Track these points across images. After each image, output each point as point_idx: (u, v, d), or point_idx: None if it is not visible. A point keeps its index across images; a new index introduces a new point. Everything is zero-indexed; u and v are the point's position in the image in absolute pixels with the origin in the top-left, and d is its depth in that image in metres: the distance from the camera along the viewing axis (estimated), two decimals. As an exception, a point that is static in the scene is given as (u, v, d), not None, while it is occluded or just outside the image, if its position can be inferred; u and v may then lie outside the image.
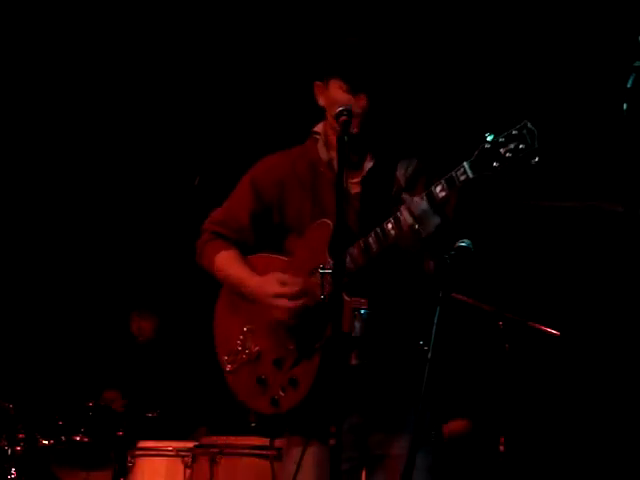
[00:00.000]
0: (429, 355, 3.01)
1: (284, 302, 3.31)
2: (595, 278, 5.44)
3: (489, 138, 3.01)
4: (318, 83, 3.43)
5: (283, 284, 3.32)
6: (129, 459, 5.33)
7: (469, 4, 5.70)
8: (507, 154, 2.98)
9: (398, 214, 3.15)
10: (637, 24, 4.07)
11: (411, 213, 3.10)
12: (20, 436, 5.56)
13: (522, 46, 5.53)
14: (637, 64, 3.11)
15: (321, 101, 3.41)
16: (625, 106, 3.07)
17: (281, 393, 3.32)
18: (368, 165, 3.43)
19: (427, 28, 5.76)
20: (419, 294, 3.35)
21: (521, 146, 2.96)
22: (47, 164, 6.75)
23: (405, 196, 3.15)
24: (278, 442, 4.56)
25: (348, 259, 3.17)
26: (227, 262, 3.49)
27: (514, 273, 5.65)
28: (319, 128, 3.51)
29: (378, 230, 3.21)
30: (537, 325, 4.85)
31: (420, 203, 3.09)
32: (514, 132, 2.98)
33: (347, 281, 3.13)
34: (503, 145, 2.99)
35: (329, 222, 3.27)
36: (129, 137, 6.72)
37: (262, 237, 3.51)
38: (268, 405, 3.35)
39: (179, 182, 6.41)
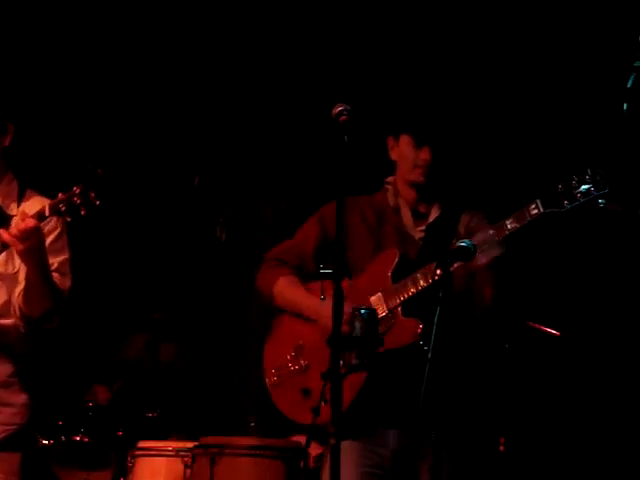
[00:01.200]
0: (429, 355, 3.03)
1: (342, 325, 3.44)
2: (595, 278, 5.44)
3: (563, 182, 3.28)
4: (390, 138, 3.69)
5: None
6: (129, 459, 5.33)
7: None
8: (578, 195, 3.26)
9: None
10: (637, 24, 4.07)
11: (477, 238, 3.33)
12: (20, 436, 5.56)
13: (523, 46, 5.53)
14: (637, 64, 3.11)
15: (393, 155, 3.68)
16: (625, 106, 3.08)
17: (323, 403, 3.41)
18: (433, 216, 3.65)
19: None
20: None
21: (593, 189, 3.24)
22: (47, 164, 6.75)
23: (472, 224, 3.46)
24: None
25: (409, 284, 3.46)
26: (288, 285, 3.71)
27: (514, 273, 5.64)
28: (390, 179, 3.74)
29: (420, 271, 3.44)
30: (537, 325, 4.85)
31: (486, 230, 3.36)
32: (587, 177, 3.25)
33: (405, 301, 3.43)
34: (575, 187, 3.26)
35: (396, 251, 3.52)
36: (129, 137, 6.72)
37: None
38: (309, 414, 3.46)
39: (179, 182, 6.41)
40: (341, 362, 3.41)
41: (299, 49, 6.13)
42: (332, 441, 2.80)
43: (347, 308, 3.36)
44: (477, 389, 3.53)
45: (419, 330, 3.40)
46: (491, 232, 3.35)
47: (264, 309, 6.44)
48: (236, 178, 6.32)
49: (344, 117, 3.17)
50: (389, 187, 3.73)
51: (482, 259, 3.31)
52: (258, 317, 6.38)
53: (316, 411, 3.42)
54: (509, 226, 3.34)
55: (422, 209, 3.66)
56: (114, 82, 6.51)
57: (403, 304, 3.46)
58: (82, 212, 3.58)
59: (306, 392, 3.54)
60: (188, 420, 6.17)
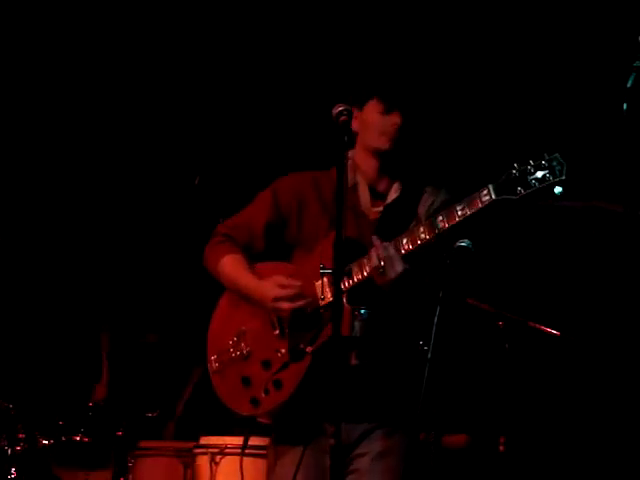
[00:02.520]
0: (429, 355, 3.02)
1: (283, 304, 3.35)
2: (595, 278, 5.44)
3: (518, 166, 3.11)
4: (353, 108, 3.41)
5: (282, 287, 3.37)
6: (129, 459, 5.33)
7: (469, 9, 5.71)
8: (533, 181, 3.08)
9: (370, 252, 3.22)
10: (637, 24, 4.07)
11: (378, 256, 3.18)
12: (20, 436, 5.56)
13: (523, 46, 5.53)
14: (637, 64, 3.11)
15: (355, 126, 3.43)
16: (625, 106, 3.07)
17: (263, 395, 3.36)
18: (392, 195, 3.48)
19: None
20: (418, 303, 3.36)
21: (548, 176, 3.07)
22: (46, 165, 6.75)
23: (374, 238, 3.23)
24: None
25: (355, 269, 3.29)
26: (232, 265, 3.53)
27: (514, 273, 5.65)
28: (350, 154, 3.53)
29: (363, 260, 3.28)
30: (537, 325, 4.85)
31: (388, 248, 3.19)
32: (544, 162, 3.08)
33: (348, 290, 3.27)
34: (530, 173, 3.09)
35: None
36: (129, 138, 6.71)
37: (272, 249, 3.58)
38: (247, 405, 3.39)
39: (179, 182, 6.41)
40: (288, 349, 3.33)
41: (299, 49, 6.13)
42: (332, 441, 2.79)
43: (291, 282, 3.32)
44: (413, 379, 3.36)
45: (357, 322, 3.29)
46: (392, 247, 3.18)
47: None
48: (236, 178, 6.31)
49: (344, 117, 3.16)
50: (348, 162, 3.46)
51: (388, 275, 3.17)
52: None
53: (255, 402, 3.36)
54: (459, 212, 3.15)
55: (381, 187, 3.49)
56: (114, 82, 6.50)
57: (349, 291, 3.30)
58: None
59: (246, 381, 3.40)
60: (188, 420, 6.17)
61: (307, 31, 6.07)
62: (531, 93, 5.53)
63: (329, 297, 3.31)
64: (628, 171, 3.49)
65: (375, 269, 3.19)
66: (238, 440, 4.85)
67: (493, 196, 3.11)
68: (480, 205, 3.13)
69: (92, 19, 6.27)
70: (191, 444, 5.09)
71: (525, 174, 3.09)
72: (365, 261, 3.27)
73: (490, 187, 3.12)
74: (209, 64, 6.41)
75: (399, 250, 3.20)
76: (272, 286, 3.38)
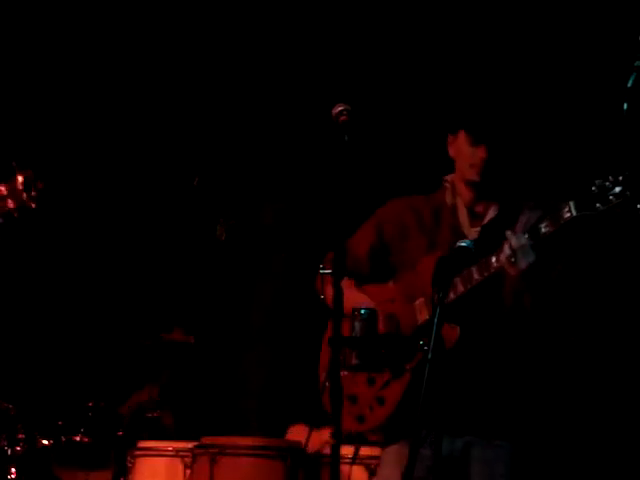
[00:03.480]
0: (429, 355, 3.02)
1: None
2: (595, 278, 5.43)
3: (597, 182, 3.16)
4: (450, 135, 3.60)
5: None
6: (129, 459, 5.33)
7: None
8: (611, 197, 3.13)
9: (501, 246, 3.29)
10: (637, 24, 4.07)
11: (510, 246, 3.24)
12: (20, 436, 5.56)
13: (523, 46, 5.53)
14: (637, 64, 3.11)
15: (451, 152, 3.59)
16: (625, 106, 3.07)
17: (368, 411, 3.47)
18: (490, 215, 3.56)
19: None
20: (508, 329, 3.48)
21: (627, 192, 3.12)
22: (47, 165, 6.74)
23: (508, 232, 3.29)
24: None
25: (458, 282, 3.37)
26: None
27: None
28: (449, 177, 3.66)
29: (483, 260, 3.34)
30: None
31: (520, 237, 3.25)
32: (621, 178, 3.13)
33: (445, 308, 3.30)
34: (609, 189, 3.14)
35: (439, 254, 3.43)
36: (129, 138, 6.71)
37: (377, 272, 3.70)
38: (354, 422, 3.49)
39: (179, 182, 6.41)
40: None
41: (299, 49, 6.13)
42: (332, 441, 2.80)
43: (395, 310, 3.44)
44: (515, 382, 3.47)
45: (456, 336, 3.35)
46: (525, 237, 3.25)
47: (266, 308, 6.47)
48: (236, 178, 6.32)
49: (344, 117, 3.16)
50: (448, 185, 3.65)
51: (519, 266, 3.23)
52: (260, 316, 6.40)
53: (361, 419, 3.46)
54: (543, 230, 3.24)
55: (479, 209, 3.57)
56: (114, 83, 6.51)
57: (449, 306, 3.32)
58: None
59: (352, 399, 3.50)
60: (188, 420, 6.17)
61: (307, 31, 6.07)
62: (531, 93, 5.53)
63: (425, 316, 3.43)
64: (628, 171, 3.49)
65: (508, 258, 3.23)
66: (238, 440, 4.85)
67: (574, 212, 3.17)
68: (562, 222, 3.20)
69: (92, 19, 6.27)
70: (191, 444, 5.08)
71: (604, 190, 3.14)
72: (493, 258, 3.31)
73: (571, 204, 3.18)
74: (209, 64, 6.41)
75: (536, 233, 3.26)
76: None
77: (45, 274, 6.81)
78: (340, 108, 3.17)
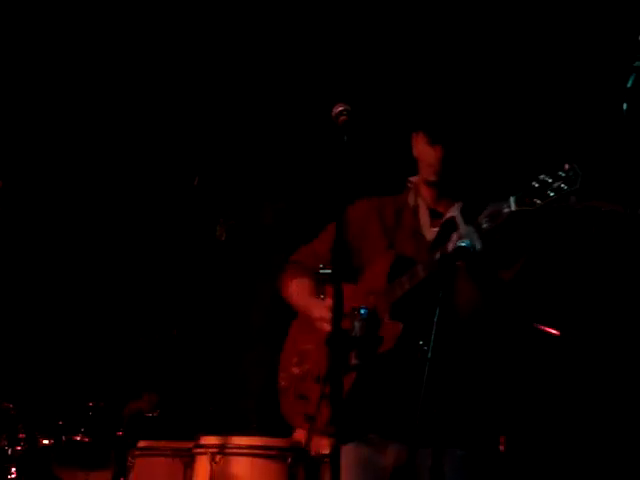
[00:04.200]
0: (429, 355, 3.02)
1: (324, 325, 3.48)
2: (595, 278, 5.43)
3: (540, 177, 3.17)
4: (414, 134, 3.62)
5: (329, 309, 3.42)
6: (129, 459, 5.33)
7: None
8: (550, 192, 3.15)
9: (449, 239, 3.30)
10: (637, 24, 4.07)
11: (458, 235, 3.26)
12: (20, 436, 5.57)
13: (523, 46, 5.53)
14: (637, 64, 3.11)
15: (414, 153, 3.62)
16: (625, 106, 3.07)
17: (316, 410, 3.46)
18: (450, 214, 3.54)
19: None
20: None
21: (564, 187, 3.14)
22: (47, 165, 6.75)
23: (457, 218, 3.34)
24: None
25: (397, 285, 3.41)
26: (297, 288, 3.74)
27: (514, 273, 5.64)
28: (414, 178, 3.68)
29: (428, 256, 3.37)
30: (537, 325, 4.85)
31: (467, 227, 3.27)
32: (561, 173, 3.15)
33: (391, 306, 3.39)
34: (549, 185, 3.16)
35: (393, 252, 3.49)
36: (129, 138, 6.72)
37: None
38: (304, 420, 3.54)
39: (179, 182, 6.41)
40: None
41: (299, 49, 6.13)
42: (332, 442, 2.80)
43: (346, 309, 3.37)
44: (476, 390, 3.47)
45: (398, 333, 3.36)
46: (472, 227, 3.27)
47: (266, 308, 6.46)
48: (236, 178, 6.32)
49: (344, 117, 3.16)
50: (411, 186, 3.68)
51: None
52: (260, 316, 6.40)
53: (310, 419, 3.48)
54: (484, 225, 3.25)
55: (441, 209, 3.59)
56: (114, 83, 6.50)
57: (393, 306, 3.41)
58: None
59: (303, 398, 3.57)
60: (188, 420, 6.17)
61: (307, 31, 6.07)
62: (531, 93, 5.53)
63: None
64: (628, 171, 3.49)
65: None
66: (238, 440, 4.85)
67: (512, 208, 3.20)
68: (502, 218, 3.22)
69: (92, 19, 6.26)
70: (191, 444, 5.08)
71: (545, 185, 3.16)
72: (441, 250, 3.33)
73: (511, 200, 3.21)
74: (209, 64, 6.40)
75: (479, 229, 3.27)
76: (320, 307, 3.54)
77: (45, 274, 6.81)
78: (340, 108, 3.17)
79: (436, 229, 3.56)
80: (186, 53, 6.39)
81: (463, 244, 3.17)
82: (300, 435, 4.94)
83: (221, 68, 6.40)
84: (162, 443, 5.21)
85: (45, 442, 5.70)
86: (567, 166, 3.13)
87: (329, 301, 3.48)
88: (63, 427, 5.76)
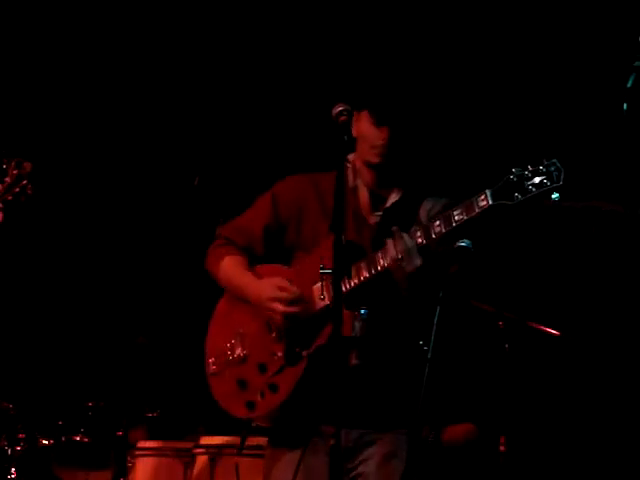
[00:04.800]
0: (429, 355, 3.02)
1: (278, 306, 3.34)
2: (595, 278, 5.44)
3: (515, 171, 3.10)
4: (355, 113, 3.44)
5: (280, 289, 3.35)
6: (129, 459, 5.33)
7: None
8: (530, 187, 3.07)
9: (386, 245, 3.20)
10: (637, 24, 4.07)
11: (396, 248, 3.16)
12: (20, 436, 5.57)
13: (523, 46, 5.53)
14: (637, 64, 3.11)
15: (354, 132, 3.43)
16: (625, 106, 3.07)
17: (259, 398, 3.36)
18: (392, 199, 3.47)
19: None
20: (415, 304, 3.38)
21: (546, 182, 3.06)
22: (47, 165, 6.74)
23: (394, 228, 3.20)
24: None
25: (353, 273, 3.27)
26: (231, 266, 3.53)
27: (514, 273, 5.65)
28: (351, 157, 3.54)
29: (371, 256, 3.27)
30: (537, 325, 4.85)
31: (407, 240, 3.17)
32: (542, 168, 3.07)
33: (348, 293, 3.25)
34: (528, 178, 3.08)
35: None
36: (129, 138, 6.72)
37: (271, 252, 3.56)
38: (243, 408, 3.39)
39: (179, 182, 6.41)
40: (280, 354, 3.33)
41: (299, 49, 6.13)
42: (332, 441, 2.79)
43: (291, 287, 3.31)
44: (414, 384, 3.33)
45: (357, 322, 3.28)
46: (411, 240, 3.16)
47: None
48: (236, 178, 6.31)
49: (344, 117, 3.16)
50: (349, 165, 3.52)
51: (407, 269, 3.15)
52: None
53: (251, 406, 3.35)
54: (456, 217, 3.13)
55: (382, 192, 3.47)
56: (114, 83, 6.51)
57: (347, 295, 3.25)
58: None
59: (242, 384, 3.40)
60: (188, 420, 6.17)
61: (307, 31, 6.07)
62: (531, 93, 5.53)
63: (328, 299, 3.29)
64: (628, 171, 3.49)
65: (395, 261, 3.17)
66: (238, 440, 4.85)
67: (490, 201, 3.09)
68: (477, 210, 3.12)
69: (92, 19, 6.27)
70: (191, 444, 5.08)
71: (523, 179, 3.08)
72: (379, 255, 3.24)
73: (487, 192, 3.11)
74: (209, 64, 6.40)
75: (416, 242, 3.19)
76: (270, 286, 3.38)
77: (45, 274, 6.81)
78: (340, 108, 3.16)
79: (378, 213, 3.46)
80: (186, 53, 6.39)
81: (463, 244, 3.15)
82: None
83: (221, 69, 6.40)
84: (162, 443, 5.22)
85: (45, 442, 5.69)
86: (546, 161, 3.06)
87: (279, 280, 3.37)
88: (63, 427, 5.75)
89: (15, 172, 4.29)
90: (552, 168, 3.06)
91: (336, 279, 2.93)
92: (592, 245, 5.38)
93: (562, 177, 3.04)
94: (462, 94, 5.77)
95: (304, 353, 3.31)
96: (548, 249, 5.60)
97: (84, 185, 6.78)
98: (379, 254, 3.24)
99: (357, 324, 3.33)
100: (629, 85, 3.09)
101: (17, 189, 4.29)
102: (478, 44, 5.72)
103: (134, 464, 5.24)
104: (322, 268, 3.27)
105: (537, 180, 3.06)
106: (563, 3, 5.42)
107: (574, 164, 3.11)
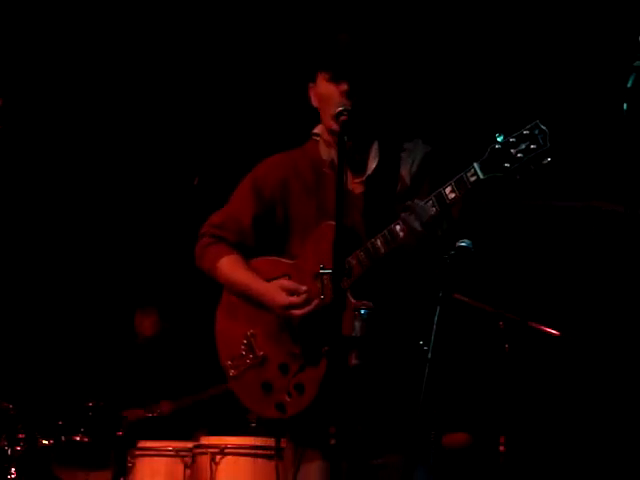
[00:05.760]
0: (429, 355, 3.01)
1: (296, 312, 3.26)
2: (595, 278, 5.44)
3: (499, 138, 3.00)
4: (310, 84, 3.40)
5: (291, 293, 3.28)
6: (129, 459, 5.33)
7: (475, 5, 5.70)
8: (518, 154, 2.97)
9: (405, 217, 3.09)
10: (637, 24, 4.07)
11: (419, 218, 3.07)
12: (20, 436, 5.57)
13: (523, 46, 5.53)
14: (637, 64, 3.10)
15: (314, 102, 3.37)
16: (625, 106, 3.07)
17: (287, 398, 3.29)
18: (372, 165, 3.36)
19: (429, 21, 5.75)
20: (420, 295, 3.33)
21: (532, 146, 2.96)
22: (48, 164, 6.75)
23: (413, 202, 3.10)
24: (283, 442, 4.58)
25: (355, 262, 3.18)
26: (231, 267, 3.43)
27: (514, 273, 5.65)
28: (318, 129, 3.45)
29: (386, 232, 3.17)
30: (537, 325, 4.85)
31: (429, 209, 3.07)
32: (525, 132, 2.98)
33: (352, 284, 3.16)
34: (514, 145, 2.98)
35: (333, 224, 3.12)
36: (129, 137, 6.72)
37: (263, 240, 3.46)
38: (274, 410, 3.32)
39: (179, 182, 6.41)
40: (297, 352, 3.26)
41: (298, 49, 6.12)
42: (332, 441, 2.79)
43: (298, 287, 3.23)
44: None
45: (357, 322, 3.13)
46: (432, 209, 3.04)
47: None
48: (236, 178, 6.31)
49: (344, 117, 3.15)
50: (318, 138, 3.42)
51: (432, 235, 3.07)
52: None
53: (281, 408, 3.29)
54: (449, 196, 3.04)
55: (357, 158, 3.33)
56: (114, 82, 6.51)
57: (352, 285, 3.17)
58: None
59: (267, 387, 3.32)
60: (188, 420, 6.17)
61: (307, 32, 6.07)
62: (530, 93, 5.53)
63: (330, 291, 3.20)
64: (628, 171, 3.49)
65: (418, 233, 3.06)
66: (238, 440, 4.85)
67: (481, 176, 3.01)
68: (469, 186, 3.03)
69: (92, 19, 6.27)
70: (191, 444, 5.08)
71: (508, 147, 2.98)
72: (397, 227, 3.13)
73: (476, 166, 3.02)
74: (209, 64, 6.41)
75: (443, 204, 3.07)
76: (280, 292, 3.28)
77: (46, 275, 6.82)
78: (340, 108, 3.16)
79: (360, 179, 3.34)
80: (186, 53, 6.39)
81: (463, 244, 3.14)
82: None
83: (221, 68, 6.41)
84: (162, 443, 5.22)
85: (45, 442, 5.70)
86: (529, 125, 2.96)
87: (285, 283, 3.28)
88: (63, 427, 5.76)
89: None
90: (536, 131, 2.97)
91: (336, 278, 2.92)
92: (592, 245, 5.38)
93: (548, 138, 2.95)
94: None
95: (323, 350, 3.23)
96: (548, 249, 5.60)
97: (84, 185, 6.79)
98: (397, 227, 3.13)
99: (357, 324, 3.30)
100: (629, 85, 3.09)
101: None
102: (478, 44, 5.71)
103: (134, 464, 5.24)
104: (322, 268, 3.23)
105: (523, 146, 2.96)
106: (563, 3, 5.42)
107: (574, 164, 3.10)
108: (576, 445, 5.46)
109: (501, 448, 4.80)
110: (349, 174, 3.28)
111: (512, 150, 2.97)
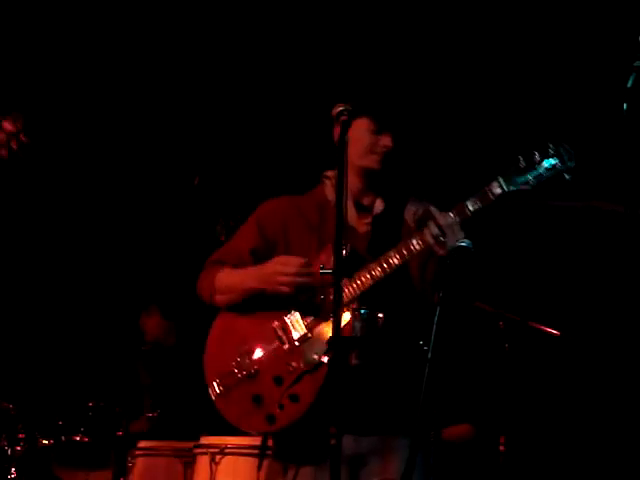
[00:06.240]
0: (429, 355, 3.02)
1: (283, 278, 3.32)
2: (595, 278, 5.44)
3: (522, 157, 3.13)
4: (342, 117, 3.31)
5: (283, 263, 3.34)
6: (129, 459, 5.33)
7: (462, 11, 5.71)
8: (543, 171, 3.12)
9: (424, 228, 3.19)
10: (637, 24, 4.07)
11: (438, 224, 3.15)
12: (20, 436, 5.57)
13: (523, 46, 5.54)
14: (637, 64, 3.11)
15: (340, 137, 3.23)
16: (625, 106, 3.07)
17: (277, 410, 3.31)
18: (379, 208, 3.49)
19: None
20: (420, 295, 3.40)
21: (558, 164, 3.11)
22: (48, 164, 6.74)
23: (432, 207, 3.21)
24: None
25: (358, 284, 3.29)
26: (228, 272, 3.51)
27: (514, 273, 5.65)
28: (330, 173, 3.56)
29: (401, 244, 3.25)
30: (537, 325, 4.85)
31: (447, 216, 3.17)
32: (551, 151, 3.11)
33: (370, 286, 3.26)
34: (539, 162, 3.12)
35: (330, 247, 3.26)
36: (129, 137, 6.72)
37: None
38: (263, 422, 3.34)
39: (179, 182, 6.41)
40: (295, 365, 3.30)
41: (298, 49, 6.13)
42: (332, 441, 2.79)
43: (294, 259, 3.30)
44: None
45: (357, 322, 3.27)
46: (452, 215, 3.16)
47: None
48: (236, 178, 6.32)
49: (344, 117, 3.16)
50: (328, 181, 3.55)
51: (449, 243, 3.14)
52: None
53: (271, 419, 3.31)
54: (471, 208, 3.16)
55: (366, 201, 3.48)
56: (114, 82, 6.51)
57: (359, 298, 3.29)
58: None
59: (257, 399, 3.34)
60: (188, 420, 6.17)
61: (307, 32, 6.07)
62: (531, 93, 5.53)
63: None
64: (628, 171, 3.49)
65: (436, 237, 3.16)
66: (238, 440, 4.84)
67: (505, 188, 3.13)
68: (492, 198, 3.14)
69: (92, 19, 6.27)
70: (191, 444, 5.08)
71: (533, 164, 3.10)
72: (414, 241, 3.23)
73: (500, 179, 3.13)
74: (209, 64, 6.41)
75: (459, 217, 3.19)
76: (272, 263, 3.36)
77: (46, 275, 6.82)
78: (340, 108, 3.17)
79: (366, 221, 3.47)
80: (186, 53, 6.39)
81: (464, 244, 3.15)
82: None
83: (221, 68, 6.41)
84: (162, 443, 5.22)
85: (45, 442, 5.69)
86: (553, 144, 3.09)
87: (281, 257, 3.36)
88: (63, 427, 5.75)
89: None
90: (562, 150, 3.11)
91: (336, 279, 2.93)
92: (592, 245, 5.38)
93: (574, 158, 3.10)
94: (459, 94, 5.77)
95: (324, 359, 3.28)
96: (548, 249, 5.60)
97: (86, 187, 6.79)
98: (412, 239, 3.23)
99: (357, 324, 3.32)
100: (629, 85, 3.09)
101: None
102: (478, 45, 5.72)
103: (134, 464, 5.24)
104: (322, 268, 3.24)
105: (548, 162, 3.10)
106: (563, 3, 5.42)
107: (581, 151, 3.12)
108: (576, 445, 5.46)
109: (501, 448, 4.81)
110: (356, 214, 3.46)
111: (537, 166, 3.12)
